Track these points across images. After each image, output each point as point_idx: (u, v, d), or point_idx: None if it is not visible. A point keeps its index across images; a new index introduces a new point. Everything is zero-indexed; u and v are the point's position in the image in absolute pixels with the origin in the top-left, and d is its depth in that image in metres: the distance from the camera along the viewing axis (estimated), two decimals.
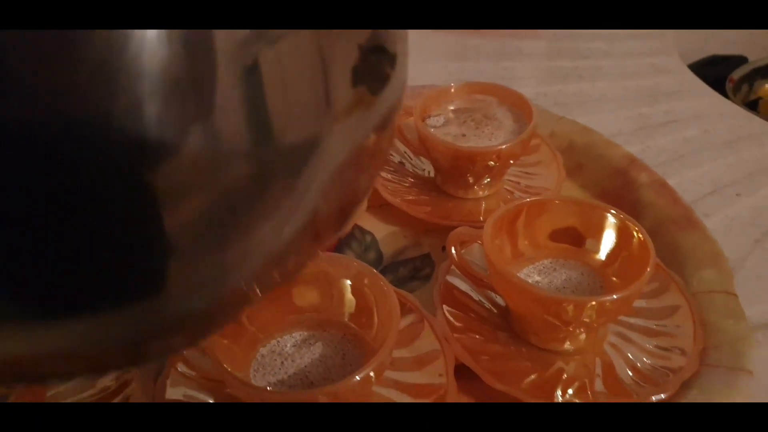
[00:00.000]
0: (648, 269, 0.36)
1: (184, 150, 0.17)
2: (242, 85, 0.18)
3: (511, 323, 0.41)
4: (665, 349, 0.38)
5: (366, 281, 0.37)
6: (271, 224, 0.21)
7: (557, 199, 0.43)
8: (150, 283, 0.19)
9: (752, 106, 0.86)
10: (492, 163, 0.49)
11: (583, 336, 0.39)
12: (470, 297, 0.43)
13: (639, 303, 0.41)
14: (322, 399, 0.31)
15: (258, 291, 0.24)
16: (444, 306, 0.41)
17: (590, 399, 0.36)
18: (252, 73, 0.18)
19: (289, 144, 0.20)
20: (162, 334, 0.22)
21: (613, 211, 0.41)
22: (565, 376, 0.38)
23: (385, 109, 0.25)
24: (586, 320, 0.36)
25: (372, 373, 0.32)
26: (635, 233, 0.39)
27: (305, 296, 0.38)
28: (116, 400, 0.36)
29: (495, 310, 0.42)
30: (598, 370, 0.38)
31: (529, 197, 0.43)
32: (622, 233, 0.40)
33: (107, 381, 0.37)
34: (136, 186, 0.17)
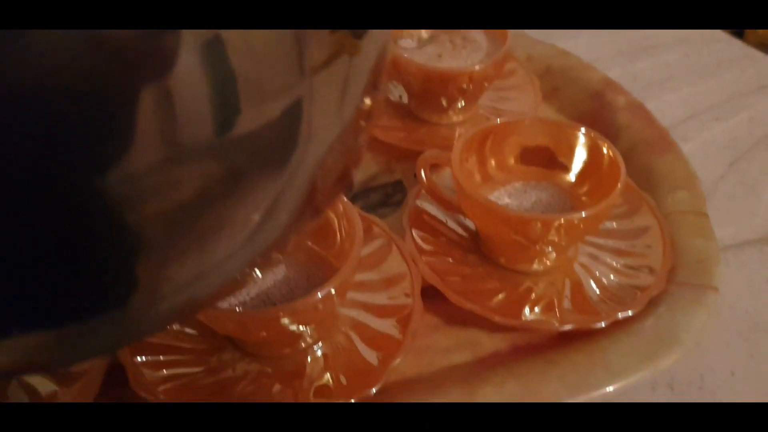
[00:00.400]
0: (618, 186, 0.36)
1: (141, 143, 0.15)
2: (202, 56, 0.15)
3: (480, 246, 0.41)
4: (634, 268, 0.38)
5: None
6: (257, 214, 0.19)
7: (526, 119, 0.42)
8: (140, 281, 0.17)
9: (738, 35, 0.84)
10: (465, 86, 0.48)
11: (552, 256, 0.38)
12: (440, 221, 0.42)
13: (610, 224, 0.40)
14: (284, 317, 0.31)
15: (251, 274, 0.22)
16: (413, 229, 0.41)
17: (557, 317, 0.35)
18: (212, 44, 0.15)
19: (266, 117, 0.17)
20: (139, 335, 0.20)
21: (583, 130, 0.40)
22: (534, 295, 0.37)
23: (372, 57, 0.22)
24: (554, 239, 0.35)
25: (333, 291, 0.31)
26: (606, 151, 0.39)
27: None
28: None
29: (465, 234, 0.42)
30: (567, 290, 0.37)
31: (499, 119, 0.42)
32: (593, 152, 0.40)
33: None
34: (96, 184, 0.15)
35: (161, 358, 0.34)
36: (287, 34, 0.17)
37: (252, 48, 0.16)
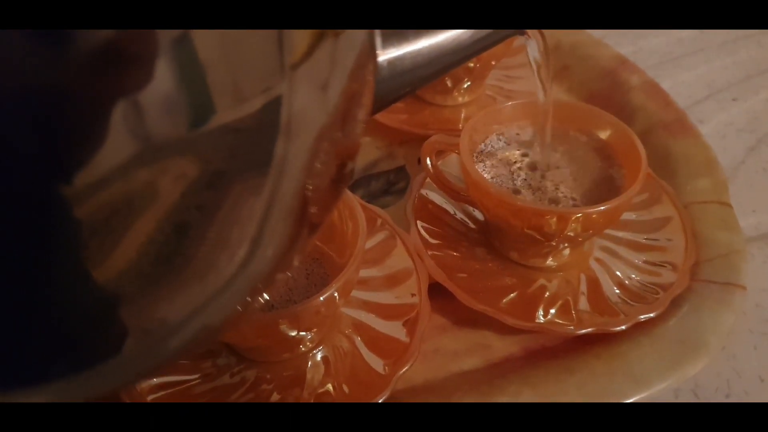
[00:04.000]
0: (639, 178, 0.33)
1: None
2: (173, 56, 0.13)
3: (490, 239, 0.38)
4: (655, 264, 0.35)
5: None
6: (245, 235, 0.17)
7: (538, 101, 0.39)
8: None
9: None
10: (471, 64, 0.45)
11: (567, 251, 0.36)
12: (446, 212, 0.40)
13: (628, 215, 0.38)
14: (284, 323, 0.28)
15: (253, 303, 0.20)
16: (418, 221, 0.38)
17: (574, 319, 0.33)
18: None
19: (243, 113, 0.15)
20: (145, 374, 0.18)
21: (599, 113, 0.37)
22: (548, 293, 0.35)
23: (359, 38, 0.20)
24: (571, 234, 0.33)
25: (336, 294, 0.29)
26: (625, 136, 0.36)
27: None
28: None
29: (473, 226, 0.39)
30: (583, 288, 0.35)
31: (511, 102, 0.39)
32: (611, 137, 0.37)
33: None
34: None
35: None
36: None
37: (224, 41, 0.14)
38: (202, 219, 0.15)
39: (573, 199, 0.34)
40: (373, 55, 0.22)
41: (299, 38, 0.16)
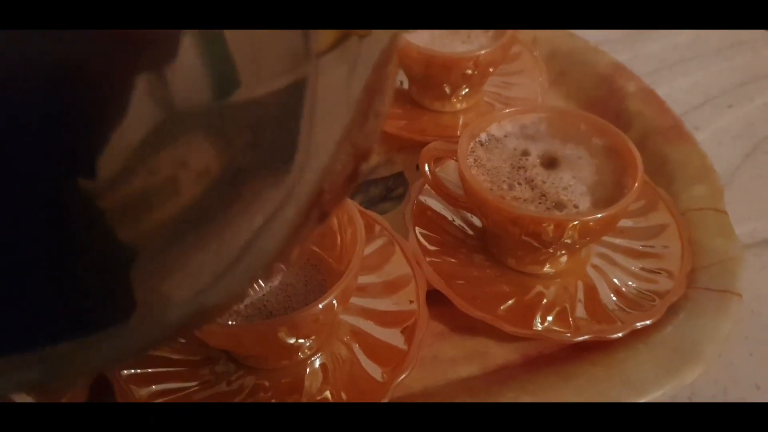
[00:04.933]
0: (636, 185, 0.33)
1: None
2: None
3: (488, 245, 0.38)
4: (651, 271, 0.36)
5: None
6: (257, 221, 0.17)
7: (538, 108, 0.39)
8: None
9: None
10: (470, 71, 0.45)
11: (564, 258, 0.36)
12: (445, 218, 0.40)
13: (625, 222, 0.38)
14: (282, 330, 0.28)
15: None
16: (416, 228, 0.38)
17: (571, 326, 0.33)
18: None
19: (267, 103, 0.15)
20: (139, 351, 0.18)
21: (599, 122, 0.37)
22: (545, 300, 0.35)
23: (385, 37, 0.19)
24: (568, 241, 0.33)
25: (335, 301, 0.29)
26: (621, 143, 0.36)
27: None
28: None
29: (471, 232, 0.40)
30: (580, 295, 0.35)
31: (509, 109, 0.39)
32: (608, 144, 0.37)
33: None
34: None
35: (150, 370, 0.32)
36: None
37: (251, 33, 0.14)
38: (219, 196, 0.15)
39: (576, 206, 0.34)
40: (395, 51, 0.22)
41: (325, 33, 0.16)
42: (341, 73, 0.17)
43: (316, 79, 0.16)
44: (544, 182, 0.35)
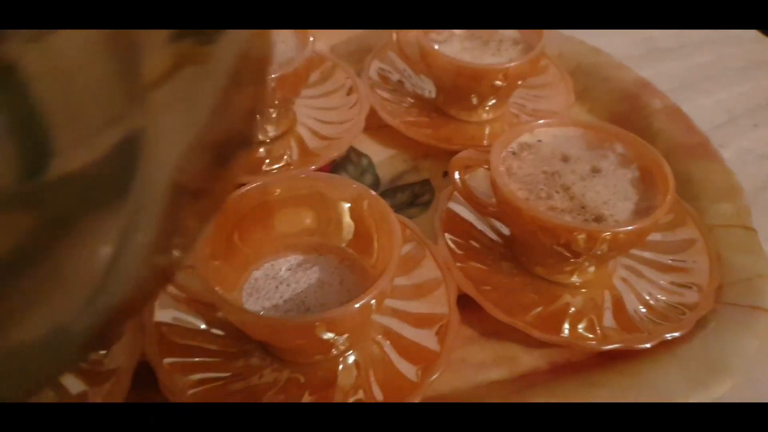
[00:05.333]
0: (668, 199, 0.34)
1: None
2: None
3: (516, 254, 0.39)
4: (680, 285, 0.36)
5: (365, 204, 0.34)
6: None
7: (569, 121, 0.40)
8: None
9: None
10: (498, 82, 0.46)
11: (592, 269, 0.37)
12: (473, 225, 0.41)
13: (653, 236, 0.39)
14: (320, 326, 0.29)
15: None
16: (446, 234, 0.39)
17: (599, 335, 0.34)
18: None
19: (91, 154, 0.13)
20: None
21: (631, 136, 0.38)
22: (572, 309, 0.36)
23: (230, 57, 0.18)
24: (599, 252, 0.34)
25: (373, 301, 0.29)
26: (652, 157, 0.37)
27: (300, 218, 0.36)
28: None
29: (498, 240, 0.40)
30: (608, 304, 0.36)
31: (542, 120, 0.40)
32: (638, 158, 0.38)
33: None
34: None
35: (189, 360, 0.32)
36: (110, 50, 0.13)
37: (65, 74, 0.12)
38: (37, 244, 0.14)
39: (616, 220, 0.34)
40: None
41: (153, 58, 0.14)
42: (180, 111, 0.16)
43: (149, 124, 0.14)
44: (583, 194, 0.35)
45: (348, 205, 0.35)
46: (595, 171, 0.37)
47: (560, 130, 0.39)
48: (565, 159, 0.38)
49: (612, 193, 0.36)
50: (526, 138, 0.39)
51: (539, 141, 0.39)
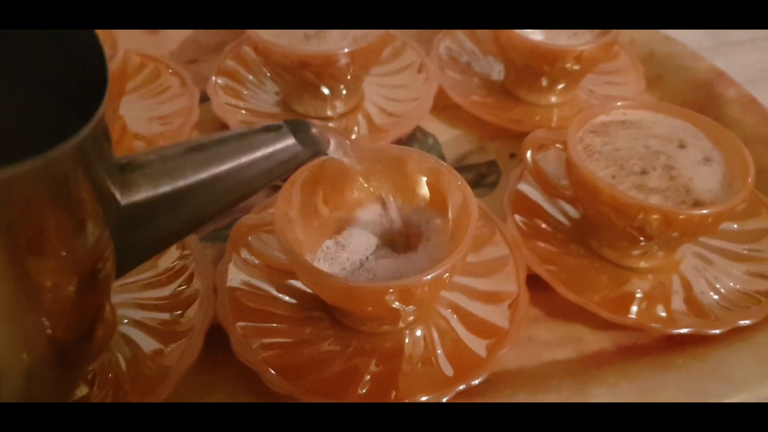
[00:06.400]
0: (748, 184, 0.33)
1: None
2: None
3: (585, 236, 0.39)
4: (756, 274, 0.36)
5: (443, 179, 0.34)
6: None
7: (651, 106, 0.39)
8: None
9: None
10: (570, 65, 0.45)
11: (661, 254, 0.36)
12: (541, 207, 0.41)
13: (725, 225, 0.38)
14: (391, 293, 0.29)
15: None
16: (515, 214, 0.39)
17: (668, 318, 0.34)
18: None
19: None
20: None
21: (712, 123, 0.38)
22: (640, 293, 0.35)
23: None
24: (674, 235, 0.33)
25: (446, 275, 0.30)
26: (732, 143, 0.36)
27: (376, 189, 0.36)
28: (174, 286, 0.35)
29: (567, 222, 0.40)
30: (677, 288, 0.36)
31: (621, 102, 0.39)
32: (715, 143, 0.37)
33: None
34: None
35: (260, 325, 0.33)
36: None
37: None
38: None
39: (713, 203, 0.34)
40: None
41: None
42: None
43: None
44: (691, 178, 0.35)
45: (425, 178, 0.35)
46: (685, 156, 0.37)
47: (640, 113, 0.39)
48: (651, 143, 0.37)
49: (702, 178, 0.35)
50: (603, 118, 0.39)
51: (626, 120, 0.39)
